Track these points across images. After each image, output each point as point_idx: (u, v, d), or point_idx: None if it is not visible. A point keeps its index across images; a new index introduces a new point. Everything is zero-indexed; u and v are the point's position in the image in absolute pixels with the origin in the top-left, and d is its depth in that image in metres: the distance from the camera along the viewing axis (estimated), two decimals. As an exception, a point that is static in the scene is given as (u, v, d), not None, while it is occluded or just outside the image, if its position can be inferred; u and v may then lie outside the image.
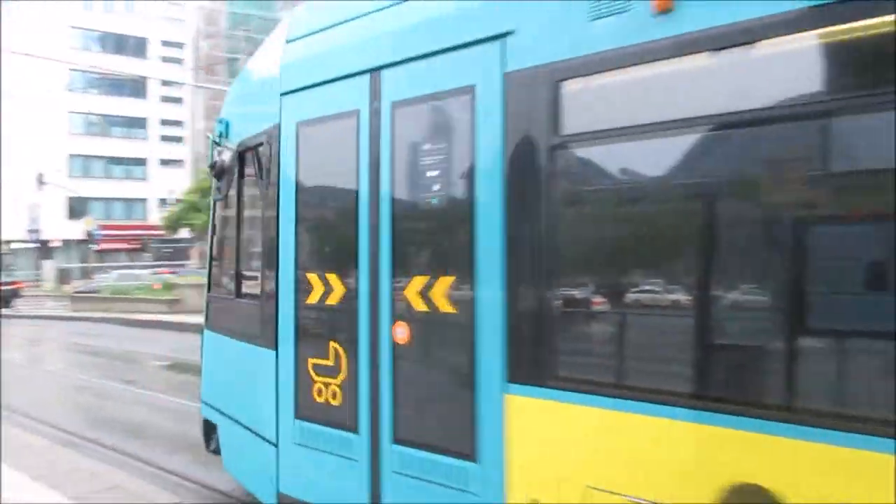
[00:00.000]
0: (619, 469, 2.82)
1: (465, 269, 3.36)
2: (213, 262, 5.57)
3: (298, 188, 4.22)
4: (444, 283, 3.45)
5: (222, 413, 5.19)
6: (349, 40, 4.00)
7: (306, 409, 4.12)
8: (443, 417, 3.47)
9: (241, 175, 4.90)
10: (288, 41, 4.45)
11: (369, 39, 3.86)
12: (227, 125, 5.17)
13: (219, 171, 5.01)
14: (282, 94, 4.35)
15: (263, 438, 4.48)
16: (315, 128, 4.15)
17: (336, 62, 4.02)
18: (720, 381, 2.66)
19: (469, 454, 3.31)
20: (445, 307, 3.44)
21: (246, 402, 4.78)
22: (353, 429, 3.85)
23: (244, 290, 4.94)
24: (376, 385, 3.74)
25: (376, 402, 3.73)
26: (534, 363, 3.11)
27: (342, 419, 3.91)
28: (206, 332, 5.56)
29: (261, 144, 4.60)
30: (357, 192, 3.86)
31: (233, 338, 4.97)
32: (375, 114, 3.78)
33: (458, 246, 3.40)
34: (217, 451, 5.35)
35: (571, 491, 2.96)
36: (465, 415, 3.33)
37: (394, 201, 3.68)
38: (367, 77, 3.84)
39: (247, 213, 4.95)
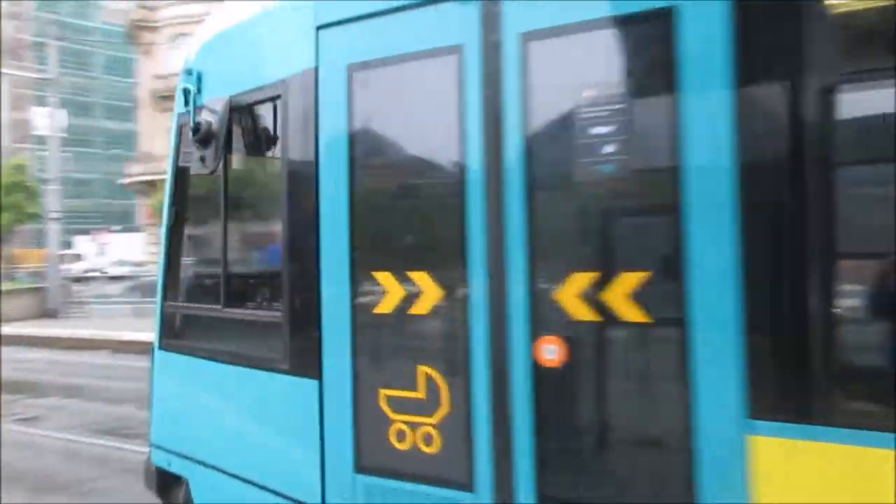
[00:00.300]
0: None
1: (668, 260, 2.39)
2: (172, 259, 4.06)
3: (354, 155, 3.01)
4: (627, 281, 2.47)
5: (196, 461, 3.79)
6: None
7: (376, 459, 2.93)
8: (632, 470, 2.47)
9: (229, 142, 3.58)
10: None
11: None
12: (198, 78, 3.73)
13: (205, 136, 3.49)
14: (318, 28, 3.12)
15: (291, 500, 3.19)
16: (380, 72, 2.99)
17: None
18: None
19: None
20: (631, 315, 2.48)
21: (253, 449, 3.44)
22: (466, 486, 2.72)
23: (236, 296, 3.63)
24: (505, 425, 2.65)
25: (506, 448, 2.65)
26: (799, 390, 2.22)
27: (442, 473, 2.78)
28: (160, 353, 4.10)
29: (272, 99, 3.36)
30: (463, 157, 2.75)
31: (221, 362, 3.62)
32: (493, 49, 2.73)
33: (655, 229, 2.46)
34: None
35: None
36: (677, 465, 2.36)
37: (530, 169, 2.63)
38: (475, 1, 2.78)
39: (242, 192, 3.63)
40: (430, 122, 2.87)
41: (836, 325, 2.19)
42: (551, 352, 2.58)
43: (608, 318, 2.49)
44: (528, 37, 2.65)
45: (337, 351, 3.03)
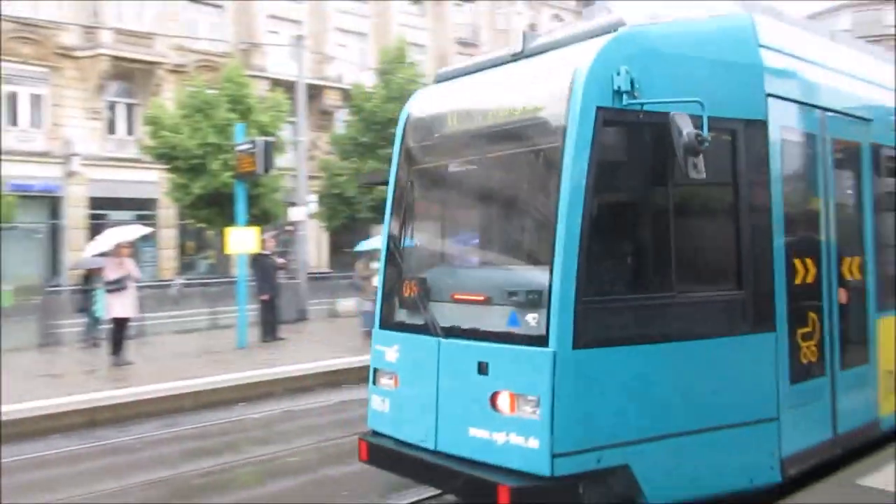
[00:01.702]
0: None
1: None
2: (591, 260, 3.98)
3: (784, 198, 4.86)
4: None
5: (645, 440, 4.06)
6: None
7: (800, 374, 4.85)
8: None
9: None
10: None
11: None
12: (631, 77, 4.01)
13: (698, 148, 3.82)
14: (768, 95, 4.75)
15: (754, 422, 4.53)
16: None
17: None
18: None
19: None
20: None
21: (714, 400, 4.38)
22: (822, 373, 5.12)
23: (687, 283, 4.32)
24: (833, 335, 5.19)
25: (832, 348, 5.18)
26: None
27: (817, 371, 5.05)
28: (574, 352, 3.89)
29: (732, 132, 4.50)
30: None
31: (678, 340, 4.25)
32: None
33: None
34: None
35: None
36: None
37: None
38: None
39: (690, 203, 4.59)
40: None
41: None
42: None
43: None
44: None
45: (782, 312, 4.70)
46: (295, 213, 17.85)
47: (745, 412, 4.50)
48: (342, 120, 29.37)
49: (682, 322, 4.31)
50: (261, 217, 20.89)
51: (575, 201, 3.94)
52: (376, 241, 15.61)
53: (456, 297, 4.71)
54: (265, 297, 12.96)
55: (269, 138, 13.93)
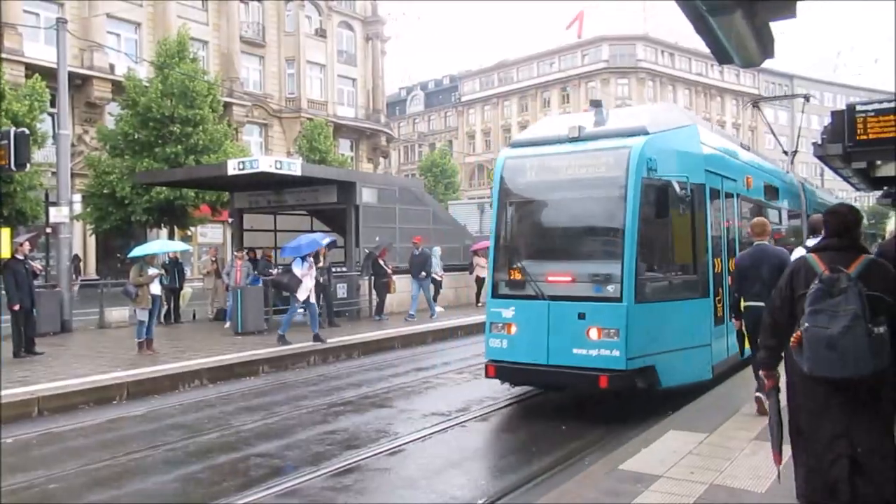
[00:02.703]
0: None
1: None
2: (645, 256, 8.01)
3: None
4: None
5: (662, 352, 7.86)
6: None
7: (717, 321, 8.55)
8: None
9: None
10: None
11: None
12: (653, 164, 7.97)
13: (684, 198, 8.20)
14: (705, 170, 8.76)
15: (702, 346, 8.42)
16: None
17: None
18: None
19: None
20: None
21: (692, 332, 8.31)
22: (724, 322, 8.79)
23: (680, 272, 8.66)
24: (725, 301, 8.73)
25: (726, 308, 8.69)
26: None
27: (722, 320, 8.73)
28: (636, 305, 7.61)
29: (685, 188, 8.13)
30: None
31: (684, 300, 8.39)
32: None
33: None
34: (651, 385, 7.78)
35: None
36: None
37: None
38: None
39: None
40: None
41: None
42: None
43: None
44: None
45: (710, 287, 8.47)
46: (56, 214, 16.06)
47: (699, 339, 8.37)
48: (113, 114, 27.02)
49: (676, 290, 8.50)
50: (14, 218, 18.64)
51: (632, 225, 7.69)
52: (154, 246, 14.61)
53: (549, 279, 8.11)
54: (16, 306, 11.57)
55: (23, 130, 12.47)
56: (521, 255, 8.54)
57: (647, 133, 7.97)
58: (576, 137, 8.19)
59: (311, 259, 13.23)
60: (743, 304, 6.97)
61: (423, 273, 17.06)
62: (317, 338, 12.85)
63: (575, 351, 7.62)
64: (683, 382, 8.07)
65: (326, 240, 15.14)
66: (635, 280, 7.57)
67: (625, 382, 7.47)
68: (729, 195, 9.52)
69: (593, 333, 7.56)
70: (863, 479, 3.59)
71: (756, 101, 21.36)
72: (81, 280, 23.84)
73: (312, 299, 13.09)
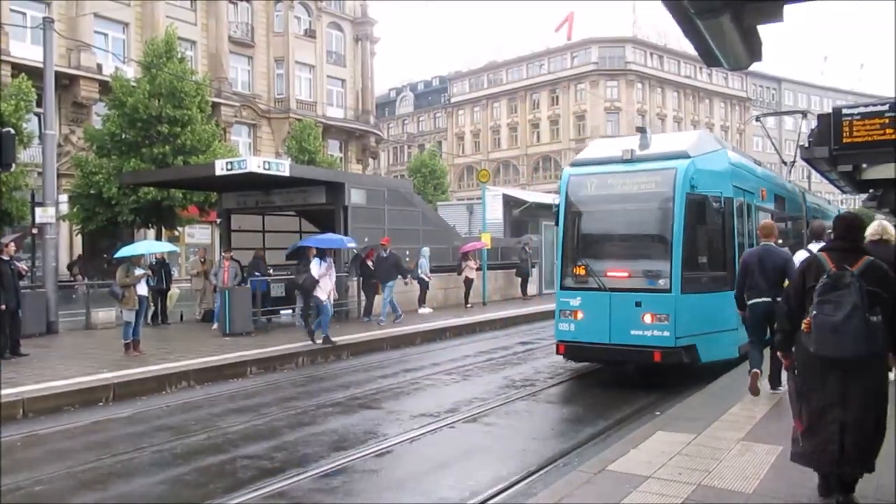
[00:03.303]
0: None
1: None
2: (692, 257, 9.77)
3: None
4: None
5: (702, 334, 9.54)
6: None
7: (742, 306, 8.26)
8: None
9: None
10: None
11: None
12: (694, 181, 9.70)
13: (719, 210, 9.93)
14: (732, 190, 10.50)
15: (732, 329, 9.60)
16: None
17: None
18: None
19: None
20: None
21: (718, 319, 9.62)
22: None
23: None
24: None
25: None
26: None
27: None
28: (682, 295, 9.35)
29: (718, 200, 9.87)
30: None
31: (716, 292, 9.73)
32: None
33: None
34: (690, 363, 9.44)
35: None
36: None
37: None
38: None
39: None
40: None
41: None
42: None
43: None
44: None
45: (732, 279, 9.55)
46: (42, 215, 15.92)
47: (728, 324, 9.61)
48: (100, 114, 26.84)
49: (711, 284, 9.86)
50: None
51: (678, 232, 9.41)
52: (141, 247, 14.52)
53: (609, 274, 9.84)
54: (1, 307, 11.46)
55: (8, 129, 12.36)
56: (584, 255, 10.20)
57: (688, 157, 9.64)
58: (629, 159, 9.89)
59: (331, 259, 13.13)
60: (748, 300, 7.88)
61: (398, 275, 16.72)
62: (326, 339, 12.79)
63: (632, 332, 9.38)
64: (717, 359, 9.62)
65: (352, 244, 15.21)
66: (681, 275, 9.33)
67: (673, 358, 9.24)
68: (749, 206, 11.11)
69: (647, 318, 9.33)
70: (849, 441, 4.28)
71: (759, 116, 23.80)
72: (63, 282, 23.60)
73: (328, 300, 13.01)
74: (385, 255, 16.52)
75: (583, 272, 9.98)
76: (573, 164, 10.88)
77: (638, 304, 9.40)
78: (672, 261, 9.36)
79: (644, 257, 9.98)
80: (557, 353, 10.19)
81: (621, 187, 9.97)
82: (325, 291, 12.73)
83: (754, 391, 7.54)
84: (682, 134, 15.97)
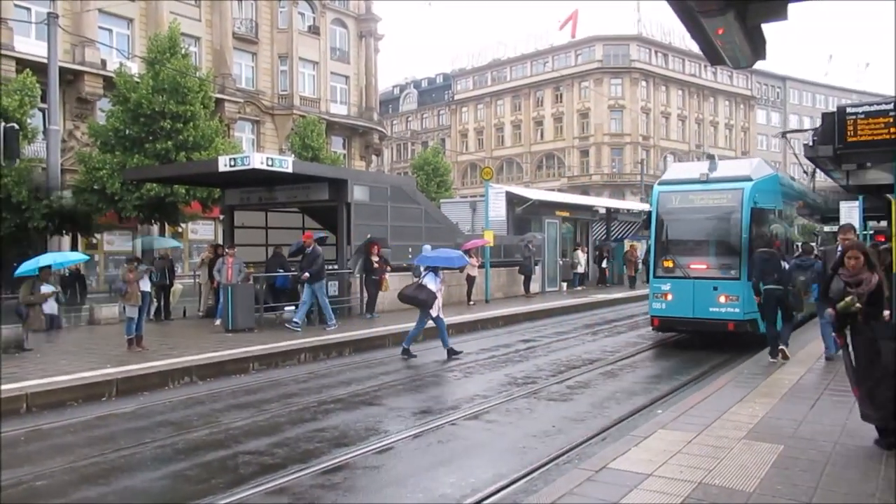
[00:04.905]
0: None
1: None
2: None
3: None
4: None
5: (756, 312, 11.54)
6: None
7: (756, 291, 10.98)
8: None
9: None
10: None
11: None
12: (755, 196, 13.01)
13: (774, 221, 13.75)
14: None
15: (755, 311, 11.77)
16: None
17: None
18: None
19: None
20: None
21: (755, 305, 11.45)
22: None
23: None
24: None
25: None
26: None
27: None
28: (743, 282, 12.16)
29: (775, 212, 13.97)
30: None
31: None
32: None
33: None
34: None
35: None
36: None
37: None
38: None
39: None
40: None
41: None
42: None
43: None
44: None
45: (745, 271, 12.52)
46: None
47: (752, 312, 11.95)
48: (104, 109, 26.85)
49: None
50: None
51: (745, 235, 12.63)
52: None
53: (691, 266, 13.18)
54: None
55: (13, 124, 12.37)
56: (672, 252, 13.58)
57: (751, 179, 13.06)
58: (705, 181, 13.35)
59: (443, 274, 13.19)
60: (763, 287, 10.57)
61: (308, 274, 14.67)
62: (451, 352, 12.54)
63: (711, 309, 12.76)
64: (766, 332, 11.56)
65: (467, 260, 16.00)
66: (747, 268, 11.91)
67: (742, 328, 12.52)
68: (791, 215, 14.96)
69: (722, 299, 12.69)
70: None
71: (784, 133, 28.95)
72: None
73: (441, 314, 12.84)
74: (309, 251, 15.02)
75: (671, 265, 13.31)
76: (660, 183, 14.21)
77: (715, 289, 12.70)
78: (741, 256, 12.54)
79: (719, 254, 13.16)
80: (652, 325, 13.71)
81: (700, 201, 13.34)
82: (438, 307, 12.70)
83: (785, 358, 10.40)
84: (743, 161, 21.62)
